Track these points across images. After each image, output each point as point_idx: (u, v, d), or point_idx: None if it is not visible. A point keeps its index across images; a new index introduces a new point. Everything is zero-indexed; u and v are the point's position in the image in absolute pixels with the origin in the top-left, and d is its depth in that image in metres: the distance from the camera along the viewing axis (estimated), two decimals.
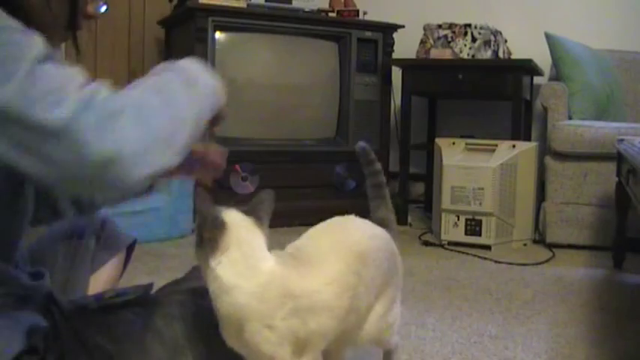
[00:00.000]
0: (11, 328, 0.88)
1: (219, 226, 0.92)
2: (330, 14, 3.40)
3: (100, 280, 1.33)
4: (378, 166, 1.28)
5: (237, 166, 3.01)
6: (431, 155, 3.37)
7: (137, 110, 0.75)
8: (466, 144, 2.94)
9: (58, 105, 0.70)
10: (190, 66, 0.90)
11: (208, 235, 0.92)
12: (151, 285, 1.07)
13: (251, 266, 0.92)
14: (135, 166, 0.73)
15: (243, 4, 3.10)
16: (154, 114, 0.77)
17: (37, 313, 0.94)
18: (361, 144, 1.26)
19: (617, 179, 2.42)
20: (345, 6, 3.47)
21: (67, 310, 0.97)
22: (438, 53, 3.25)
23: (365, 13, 3.43)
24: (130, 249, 1.41)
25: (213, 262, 0.91)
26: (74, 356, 0.92)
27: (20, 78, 0.70)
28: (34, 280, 0.99)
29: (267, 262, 0.94)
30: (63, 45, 1.06)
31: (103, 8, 0.98)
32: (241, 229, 0.94)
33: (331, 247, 1.02)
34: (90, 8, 0.97)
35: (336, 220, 1.11)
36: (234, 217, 0.95)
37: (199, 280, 1.05)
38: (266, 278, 0.92)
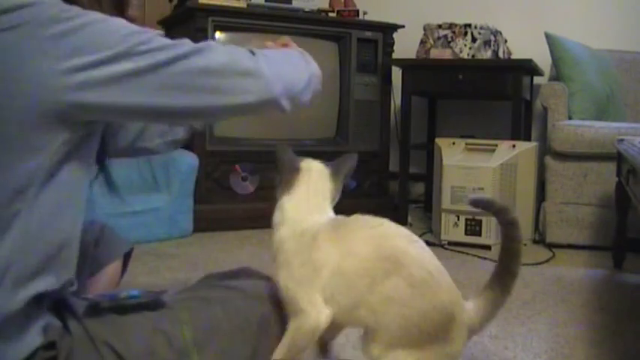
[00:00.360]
0: (30, 324, 0.91)
1: (294, 170, 1.13)
2: (330, 14, 3.40)
3: (99, 285, 1.33)
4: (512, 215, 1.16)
5: (237, 166, 3.01)
6: (431, 155, 3.38)
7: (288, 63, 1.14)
8: (466, 144, 2.94)
9: (250, 59, 1.04)
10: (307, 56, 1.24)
11: (284, 177, 1.12)
12: (164, 292, 1.11)
13: (309, 209, 1.11)
14: (297, 92, 1.10)
15: (243, 4, 3.10)
16: (297, 67, 1.16)
17: (49, 311, 0.96)
18: (472, 197, 1.18)
19: (617, 179, 2.42)
20: (345, 6, 3.47)
21: (76, 309, 0.98)
22: (438, 53, 3.25)
23: (365, 13, 3.43)
24: (128, 256, 1.42)
25: (284, 199, 1.12)
26: (84, 353, 0.93)
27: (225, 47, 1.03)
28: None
29: (321, 212, 1.12)
30: None
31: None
32: (312, 176, 1.14)
33: (373, 235, 1.07)
34: (131, 11, 1.09)
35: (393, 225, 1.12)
36: (308, 165, 1.15)
37: (210, 289, 1.09)
38: (309, 225, 1.08)
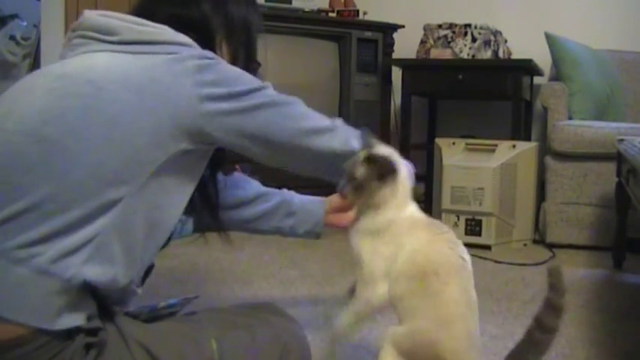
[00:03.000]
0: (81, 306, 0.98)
1: (393, 171, 1.16)
2: (330, 14, 3.40)
3: None
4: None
5: (237, 167, 3.00)
6: (431, 155, 3.37)
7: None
8: (466, 144, 2.94)
9: (326, 119, 1.24)
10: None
11: (381, 173, 1.15)
12: (195, 297, 1.23)
13: (403, 203, 1.19)
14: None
15: None
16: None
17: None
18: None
19: (617, 179, 2.42)
20: (345, 6, 3.47)
21: (112, 312, 1.03)
22: (438, 53, 3.25)
23: (365, 13, 3.43)
24: (148, 270, 1.44)
25: (382, 193, 1.16)
26: (116, 347, 0.98)
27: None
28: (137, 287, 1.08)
29: (412, 205, 1.21)
30: None
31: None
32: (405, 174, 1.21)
33: (440, 241, 1.18)
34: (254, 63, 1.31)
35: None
36: (402, 165, 1.20)
37: (236, 315, 1.17)
38: (403, 215, 1.18)
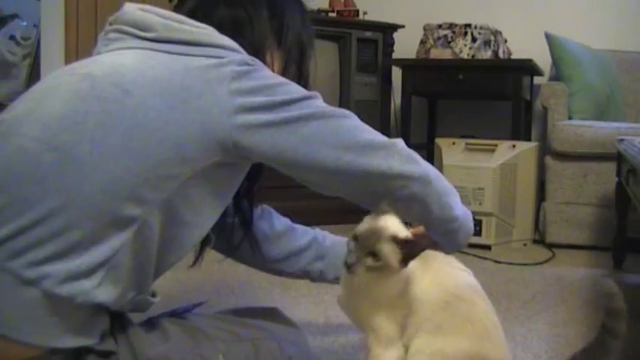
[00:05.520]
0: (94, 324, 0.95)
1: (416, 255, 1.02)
2: (330, 14, 3.40)
3: None
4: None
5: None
6: (431, 155, 3.37)
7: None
8: (466, 144, 2.94)
9: (383, 136, 1.09)
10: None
11: (407, 258, 1.00)
12: (206, 301, 1.24)
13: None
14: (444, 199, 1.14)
15: None
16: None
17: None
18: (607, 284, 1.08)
19: (617, 179, 2.42)
20: (345, 6, 3.47)
21: (126, 323, 1.01)
22: (438, 53, 3.25)
23: (365, 13, 3.43)
24: None
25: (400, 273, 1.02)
26: None
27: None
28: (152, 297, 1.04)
29: None
30: None
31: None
32: None
33: (441, 270, 1.08)
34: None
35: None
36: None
37: (241, 327, 1.13)
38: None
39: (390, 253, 0.96)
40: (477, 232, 2.76)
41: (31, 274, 0.87)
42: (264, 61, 1.06)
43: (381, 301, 1.02)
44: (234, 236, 1.31)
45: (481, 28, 3.22)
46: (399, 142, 1.08)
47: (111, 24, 1.06)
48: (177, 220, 0.97)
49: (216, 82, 0.96)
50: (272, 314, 1.22)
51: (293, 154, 1.00)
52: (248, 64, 0.99)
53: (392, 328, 1.03)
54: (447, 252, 1.17)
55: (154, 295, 1.03)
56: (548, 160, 2.83)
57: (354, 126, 1.05)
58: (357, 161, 1.02)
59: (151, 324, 1.07)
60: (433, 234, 1.21)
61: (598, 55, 3.23)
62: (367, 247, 0.97)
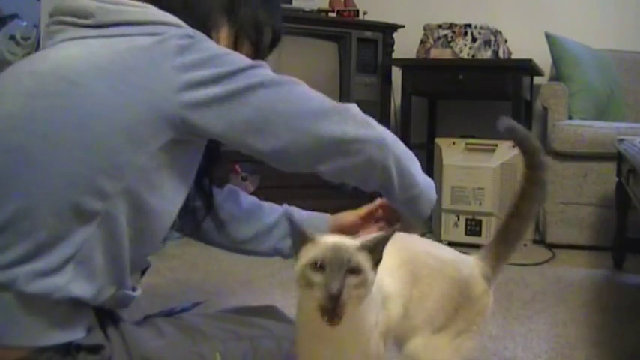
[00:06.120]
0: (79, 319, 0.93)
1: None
2: (330, 14, 3.40)
3: None
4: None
5: (237, 166, 3.00)
6: (431, 155, 3.37)
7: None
8: (466, 144, 2.94)
9: (333, 100, 1.04)
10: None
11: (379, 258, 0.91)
12: (205, 300, 1.23)
13: None
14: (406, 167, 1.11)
15: None
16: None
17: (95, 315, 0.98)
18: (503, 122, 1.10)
19: (617, 179, 2.42)
20: (345, 6, 3.47)
21: (119, 321, 1.00)
22: (438, 53, 3.25)
23: (365, 13, 3.43)
24: (144, 270, 1.44)
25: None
26: None
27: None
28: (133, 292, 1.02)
29: None
30: None
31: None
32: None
33: (391, 254, 0.95)
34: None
35: (401, 235, 1.05)
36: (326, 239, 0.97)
37: (239, 325, 1.12)
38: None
39: (364, 261, 0.86)
40: (477, 232, 2.76)
41: (1, 278, 0.87)
42: (210, 36, 1.02)
43: (371, 322, 0.92)
44: (199, 218, 1.28)
45: (481, 28, 3.22)
46: (353, 107, 1.05)
47: (52, 15, 1.04)
48: (144, 209, 0.94)
49: (160, 58, 0.93)
50: (270, 312, 1.22)
51: (244, 126, 0.96)
52: (190, 37, 0.96)
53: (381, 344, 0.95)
54: (412, 226, 1.17)
55: (134, 289, 1.01)
56: (548, 160, 2.83)
57: (305, 92, 1.01)
58: (310, 128, 0.98)
59: (146, 323, 1.07)
60: (395, 203, 1.17)
61: (598, 55, 3.23)
62: (343, 266, 0.84)
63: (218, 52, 0.97)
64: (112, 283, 0.95)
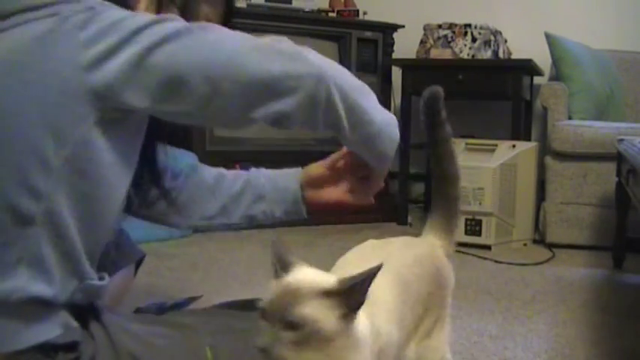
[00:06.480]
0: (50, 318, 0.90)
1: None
2: (330, 14, 3.40)
3: (113, 288, 1.33)
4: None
5: (237, 166, 3.00)
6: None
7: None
8: (466, 144, 2.94)
9: (255, 39, 0.92)
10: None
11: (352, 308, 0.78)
12: (200, 296, 1.18)
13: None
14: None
15: (243, 4, 3.10)
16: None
17: (71, 312, 0.95)
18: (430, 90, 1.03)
19: (617, 179, 2.42)
20: (345, 6, 3.47)
21: (103, 317, 0.98)
22: (438, 53, 3.25)
23: (365, 13, 3.43)
24: (139, 263, 1.43)
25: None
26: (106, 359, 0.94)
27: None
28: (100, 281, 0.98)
29: None
30: None
31: None
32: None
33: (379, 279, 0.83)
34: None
35: (370, 243, 1.02)
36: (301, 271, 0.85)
37: (230, 318, 1.09)
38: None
39: (316, 313, 0.72)
40: (477, 232, 2.76)
41: None
42: (127, 4, 0.95)
43: None
44: (151, 199, 1.22)
45: (481, 28, 3.22)
46: (282, 42, 0.92)
47: None
48: (87, 198, 0.90)
49: (64, 38, 0.86)
50: None
51: (161, 90, 0.87)
52: (91, 8, 0.88)
53: None
54: (378, 173, 1.12)
55: (102, 278, 0.98)
56: (548, 160, 2.83)
57: (218, 36, 0.90)
58: (228, 74, 0.87)
59: (135, 319, 1.06)
60: (350, 145, 1.09)
61: (598, 55, 3.23)
62: (280, 318, 0.73)
63: (119, 16, 0.88)
64: (72, 276, 0.92)
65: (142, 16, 0.90)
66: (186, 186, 1.25)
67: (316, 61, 0.92)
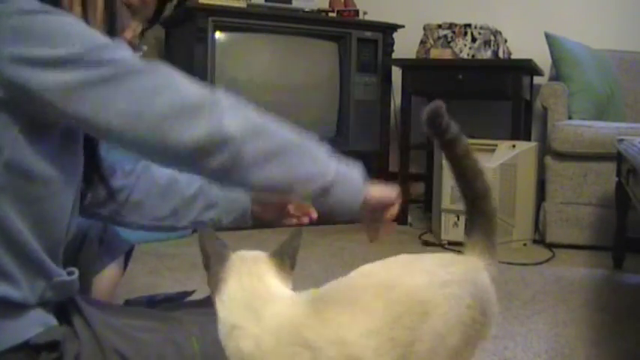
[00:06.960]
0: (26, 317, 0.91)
1: (222, 262, 0.88)
2: (330, 14, 3.40)
3: (102, 282, 1.33)
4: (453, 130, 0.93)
5: None
6: (431, 155, 3.37)
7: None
8: None
9: (190, 89, 0.89)
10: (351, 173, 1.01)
11: (213, 273, 0.86)
12: (193, 291, 1.18)
13: (256, 307, 0.83)
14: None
15: (243, 4, 3.10)
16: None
17: (50, 311, 0.95)
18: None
19: (617, 179, 2.42)
20: (345, 6, 3.47)
21: (87, 313, 0.98)
22: (438, 53, 3.25)
23: (365, 13, 3.43)
24: (128, 255, 1.42)
25: (217, 301, 0.86)
26: (91, 358, 0.93)
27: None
28: (69, 276, 0.98)
29: (277, 303, 0.84)
30: None
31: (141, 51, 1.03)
32: (247, 266, 0.87)
33: (377, 290, 0.82)
34: (128, 34, 1.03)
35: (400, 258, 0.92)
36: (239, 254, 0.90)
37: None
38: (275, 322, 0.81)
39: None
40: None
41: None
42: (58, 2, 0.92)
43: None
44: (102, 198, 1.19)
45: (481, 28, 3.22)
46: (218, 98, 0.88)
47: None
48: (36, 200, 0.90)
49: None
50: None
51: (86, 124, 0.85)
52: (28, 13, 0.84)
53: None
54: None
55: (70, 273, 0.98)
56: (548, 160, 2.83)
57: (153, 85, 0.85)
58: (154, 133, 0.84)
59: (121, 313, 1.05)
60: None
61: (598, 55, 3.23)
62: None
63: (55, 27, 0.84)
64: (36, 277, 0.91)
65: (82, 34, 0.86)
66: (138, 185, 1.23)
67: (245, 120, 0.92)
